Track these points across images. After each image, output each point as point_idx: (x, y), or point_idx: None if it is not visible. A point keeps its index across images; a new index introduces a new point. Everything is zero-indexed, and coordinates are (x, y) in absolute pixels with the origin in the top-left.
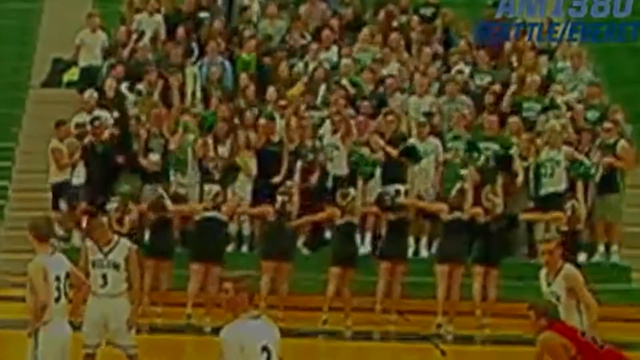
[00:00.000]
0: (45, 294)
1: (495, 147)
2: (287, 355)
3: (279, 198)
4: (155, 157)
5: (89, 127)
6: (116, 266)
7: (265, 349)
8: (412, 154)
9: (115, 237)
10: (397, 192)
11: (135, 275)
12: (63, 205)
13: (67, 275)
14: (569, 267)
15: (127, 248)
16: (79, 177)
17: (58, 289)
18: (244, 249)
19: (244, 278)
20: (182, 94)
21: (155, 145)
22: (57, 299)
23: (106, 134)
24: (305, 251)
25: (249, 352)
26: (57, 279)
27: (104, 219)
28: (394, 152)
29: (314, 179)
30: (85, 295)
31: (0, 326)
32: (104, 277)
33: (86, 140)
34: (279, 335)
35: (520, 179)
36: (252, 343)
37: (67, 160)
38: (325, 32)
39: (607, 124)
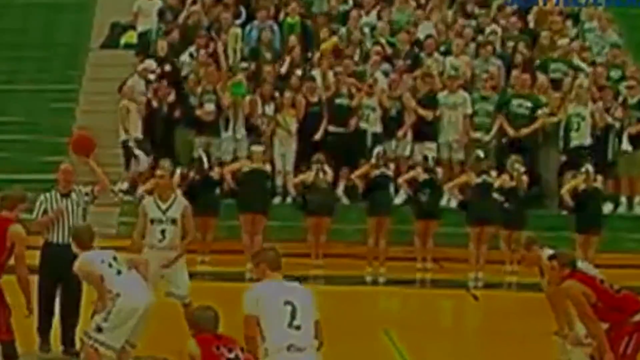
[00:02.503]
0: (97, 281)
1: (528, 104)
2: (328, 300)
3: (314, 167)
4: (210, 107)
5: (151, 93)
6: (174, 221)
7: (287, 302)
8: (432, 105)
9: (173, 194)
10: (426, 157)
11: (191, 229)
12: (134, 161)
13: (115, 258)
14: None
15: (184, 206)
16: (139, 133)
17: (110, 265)
18: (289, 200)
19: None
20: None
21: (208, 102)
22: (119, 273)
23: (170, 97)
24: (345, 200)
25: (272, 305)
26: (103, 261)
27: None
28: (422, 112)
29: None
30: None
31: None
32: (163, 232)
33: (150, 100)
34: (309, 296)
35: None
36: (274, 297)
37: (134, 118)
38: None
39: (630, 82)
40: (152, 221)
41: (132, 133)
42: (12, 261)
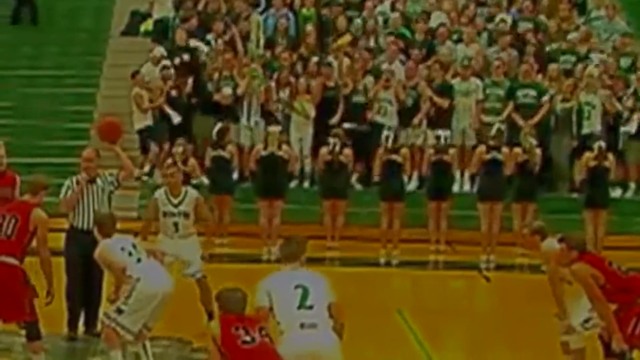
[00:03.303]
0: (118, 267)
1: (533, 93)
2: (342, 281)
3: (331, 140)
4: (227, 90)
5: (170, 82)
6: (186, 215)
7: (298, 286)
8: (447, 92)
9: (184, 189)
10: (438, 137)
11: (208, 217)
12: (152, 147)
13: (135, 245)
14: (545, 247)
15: (195, 198)
16: (151, 122)
17: (130, 254)
18: (306, 184)
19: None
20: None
21: (226, 87)
22: (139, 260)
23: (188, 85)
24: (358, 187)
25: (283, 292)
26: (123, 249)
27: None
28: (438, 100)
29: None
30: None
31: None
32: (175, 224)
33: (168, 89)
34: (322, 280)
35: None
36: (285, 285)
37: (148, 105)
38: None
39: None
40: (164, 214)
41: (144, 122)
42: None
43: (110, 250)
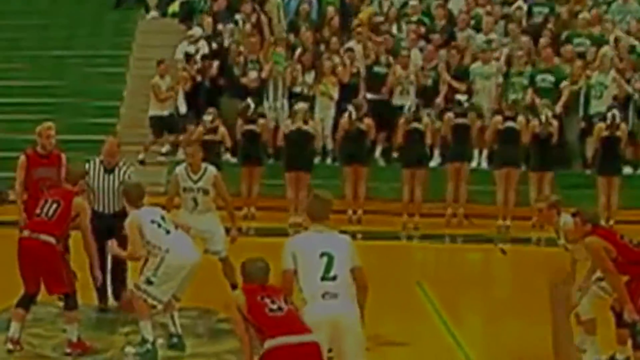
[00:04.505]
0: (138, 247)
1: (551, 78)
2: (366, 253)
3: (349, 108)
4: (253, 74)
5: (199, 64)
6: (205, 191)
7: (323, 254)
8: (464, 77)
9: (204, 165)
10: (460, 102)
11: (226, 195)
12: (167, 134)
13: (163, 217)
14: (564, 223)
15: (213, 176)
16: (182, 107)
17: (159, 225)
18: (328, 161)
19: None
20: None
21: (252, 70)
22: (168, 232)
23: (213, 69)
24: (381, 162)
25: (308, 258)
26: (153, 221)
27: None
28: (456, 84)
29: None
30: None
31: None
32: (195, 200)
33: (196, 74)
34: (346, 245)
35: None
36: (310, 250)
37: (165, 95)
38: None
39: None
40: (184, 189)
41: (158, 110)
42: None
43: (138, 221)
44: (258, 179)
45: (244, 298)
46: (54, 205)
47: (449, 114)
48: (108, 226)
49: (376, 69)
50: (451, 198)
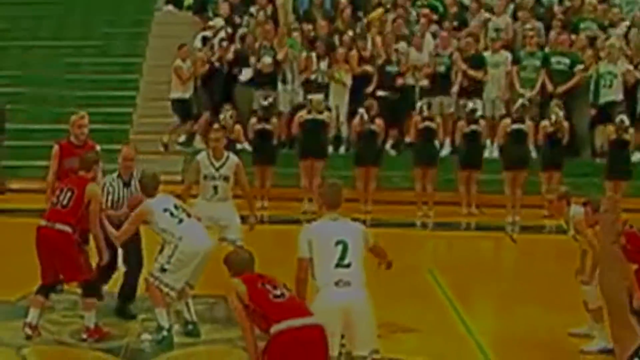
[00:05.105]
0: (126, 236)
1: (566, 61)
2: (378, 241)
3: (360, 111)
4: (268, 59)
5: (216, 48)
6: (226, 179)
7: (339, 242)
8: (480, 64)
9: (226, 153)
10: (473, 110)
11: (245, 184)
12: (185, 117)
13: (177, 206)
14: (573, 214)
15: (235, 164)
16: (201, 91)
17: (172, 214)
18: (342, 150)
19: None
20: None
21: (266, 56)
22: (180, 222)
23: (230, 55)
24: (392, 153)
25: (324, 246)
26: (165, 210)
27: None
28: (472, 72)
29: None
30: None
31: None
32: (215, 188)
33: (213, 59)
34: (359, 232)
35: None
36: (326, 238)
37: (187, 77)
38: None
39: None
40: (205, 177)
41: (180, 93)
42: None
43: (151, 210)
44: (270, 176)
45: (245, 286)
46: (69, 194)
47: (461, 122)
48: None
49: (388, 68)
50: (465, 201)
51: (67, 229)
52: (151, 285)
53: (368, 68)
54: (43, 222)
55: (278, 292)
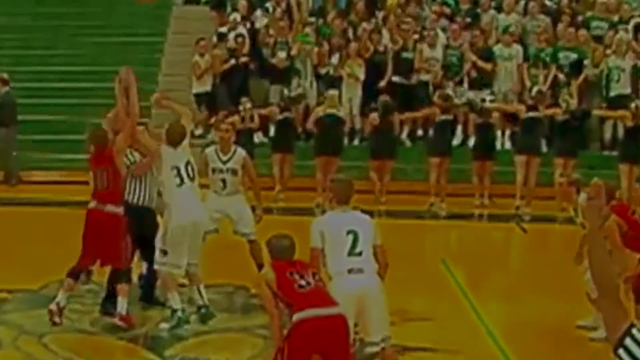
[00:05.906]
0: (152, 148)
1: (574, 55)
2: (392, 232)
3: (373, 106)
4: (282, 54)
5: (232, 43)
6: (234, 172)
7: (350, 232)
8: (489, 57)
9: (233, 147)
10: (484, 100)
11: (254, 177)
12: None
13: (188, 165)
14: (582, 200)
15: (243, 157)
16: (217, 86)
17: (178, 175)
18: (356, 142)
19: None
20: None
21: (281, 51)
22: (180, 184)
23: (245, 49)
24: (408, 143)
25: (336, 236)
26: (174, 168)
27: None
28: (482, 64)
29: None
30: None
31: None
32: (223, 181)
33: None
34: (370, 224)
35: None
36: (337, 228)
37: (203, 72)
38: None
39: None
40: (213, 170)
41: (201, 87)
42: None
43: (159, 156)
44: (289, 165)
45: (274, 274)
46: (104, 174)
47: (472, 115)
48: (143, 222)
49: (404, 54)
50: (478, 191)
51: (115, 209)
52: (160, 272)
53: (380, 56)
54: (92, 205)
55: (304, 282)
